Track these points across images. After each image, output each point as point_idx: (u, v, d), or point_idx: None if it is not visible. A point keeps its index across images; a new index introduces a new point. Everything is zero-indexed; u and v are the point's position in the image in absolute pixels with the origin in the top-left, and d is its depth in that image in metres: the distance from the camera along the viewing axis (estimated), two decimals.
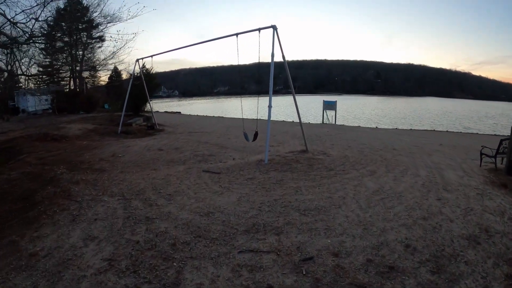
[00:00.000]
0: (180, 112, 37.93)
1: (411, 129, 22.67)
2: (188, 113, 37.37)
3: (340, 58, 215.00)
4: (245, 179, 7.11)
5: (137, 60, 15.25)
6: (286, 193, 6.14)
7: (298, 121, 11.08)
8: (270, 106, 9.04)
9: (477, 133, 21.18)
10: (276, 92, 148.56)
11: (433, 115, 42.64)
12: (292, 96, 10.47)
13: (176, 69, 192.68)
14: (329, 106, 26.27)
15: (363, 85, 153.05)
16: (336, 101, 26.22)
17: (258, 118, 10.41)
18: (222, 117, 31.16)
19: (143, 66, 21.84)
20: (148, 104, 35.44)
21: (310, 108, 49.39)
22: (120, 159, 9.31)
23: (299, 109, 10.91)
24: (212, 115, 34.95)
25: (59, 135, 12.87)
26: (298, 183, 6.78)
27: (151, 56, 14.31)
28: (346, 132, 17.46)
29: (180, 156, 9.79)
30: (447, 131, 22.47)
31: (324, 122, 26.03)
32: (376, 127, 24.30)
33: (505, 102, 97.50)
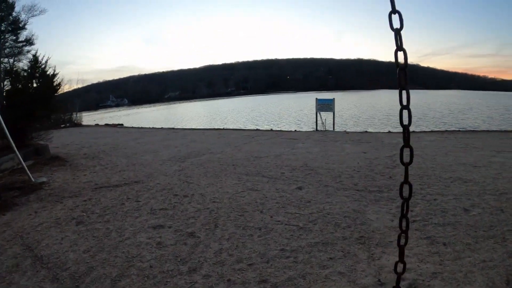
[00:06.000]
0: (122, 125, 28.61)
1: (458, 130, 14.99)
2: (131, 125, 27.71)
3: (290, 57, 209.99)
4: None
5: None
6: None
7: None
8: None
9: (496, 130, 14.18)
10: (228, 94, 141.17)
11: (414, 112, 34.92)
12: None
13: (125, 76, 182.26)
14: (325, 106, 17.89)
15: (316, 82, 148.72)
16: (333, 98, 17.87)
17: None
18: (173, 128, 21.71)
19: (35, 60, 12.37)
20: (75, 116, 27.01)
21: (273, 108, 41.30)
22: None
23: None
24: (160, 126, 25.75)
25: None
26: None
27: None
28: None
29: None
30: (487, 130, 15.13)
31: (319, 128, 17.85)
32: (388, 131, 16.50)
33: (456, 90, 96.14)
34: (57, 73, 13.00)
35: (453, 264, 3.18)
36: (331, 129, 17.42)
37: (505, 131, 13.48)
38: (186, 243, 3.81)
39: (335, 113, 18.08)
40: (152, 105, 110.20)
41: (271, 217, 4.42)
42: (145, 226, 4.41)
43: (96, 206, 5.40)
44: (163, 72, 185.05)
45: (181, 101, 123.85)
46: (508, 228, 3.92)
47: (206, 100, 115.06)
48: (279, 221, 4.27)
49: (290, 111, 38.20)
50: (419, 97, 64.92)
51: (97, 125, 28.70)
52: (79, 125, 25.86)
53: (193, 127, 22.80)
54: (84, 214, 5.09)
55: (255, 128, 19.56)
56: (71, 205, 5.53)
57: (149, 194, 5.84)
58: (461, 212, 4.40)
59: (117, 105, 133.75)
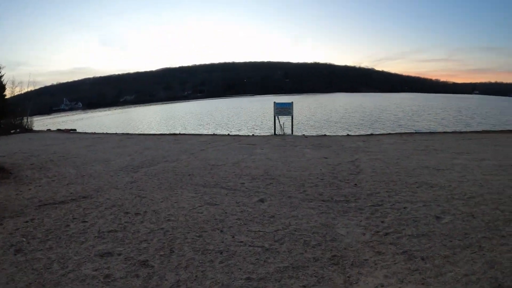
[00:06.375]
0: (75, 130, 27.25)
1: (415, 132, 15.25)
2: (85, 131, 26.28)
3: (248, 60, 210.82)
4: None
5: None
6: None
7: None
8: None
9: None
10: (185, 98, 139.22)
11: (370, 114, 35.85)
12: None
13: (80, 78, 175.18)
14: (283, 110, 17.67)
15: (273, 85, 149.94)
16: (292, 102, 17.72)
17: None
18: (128, 134, 20.71)
19: None
20: (26, 121, 25.40)
21: (230, 112, 40.81)
22: None
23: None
24: (114, 131, 24.72)
25: None
26: None
27: None
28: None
29: None
30: (444, 132, 15.64)
31: (277, 133, 17.62)
32: (347, 134, 16.59)
33: (410, 93, 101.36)
34: (3, 75, 11.86)
35: (436, 282, 2.90)
36: (290, 133, 17.25)
37: (460, 132, 13.87)
38: (138, 274, 3.27)
39: (293, 116, 17.93)
40: (107, 109, 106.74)
41: (233, 236, 3.97)
42: (92, 253, 3.81)
43: (38, 229, 4.69)
44: (119, 75, 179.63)
45: (137, 105, 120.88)
46: (483, 235, 3.74)
47: (163, 103, 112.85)
48: (242, 241, 3.83)
49: (247, 114, 37.95)
50: (374, 100, 67.13)
51: (49, 130, 26.97)
52: (30, 130, 24.11)
53: (148, 132, 21.97)
54: (24, 239, 4.37)
55: (211, 133, 19.10)
56: (11, 228, 4.78)
57: (97, 213, 5.20)
58: (433, 221, 4.19)
59: (71, 109, 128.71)
